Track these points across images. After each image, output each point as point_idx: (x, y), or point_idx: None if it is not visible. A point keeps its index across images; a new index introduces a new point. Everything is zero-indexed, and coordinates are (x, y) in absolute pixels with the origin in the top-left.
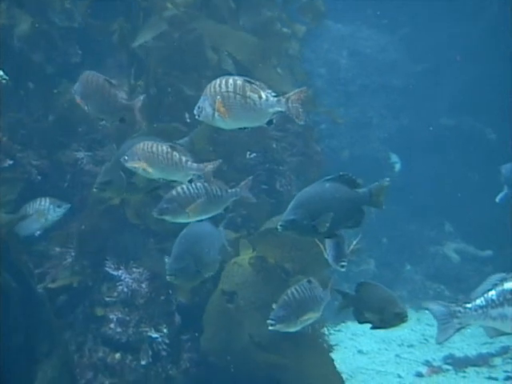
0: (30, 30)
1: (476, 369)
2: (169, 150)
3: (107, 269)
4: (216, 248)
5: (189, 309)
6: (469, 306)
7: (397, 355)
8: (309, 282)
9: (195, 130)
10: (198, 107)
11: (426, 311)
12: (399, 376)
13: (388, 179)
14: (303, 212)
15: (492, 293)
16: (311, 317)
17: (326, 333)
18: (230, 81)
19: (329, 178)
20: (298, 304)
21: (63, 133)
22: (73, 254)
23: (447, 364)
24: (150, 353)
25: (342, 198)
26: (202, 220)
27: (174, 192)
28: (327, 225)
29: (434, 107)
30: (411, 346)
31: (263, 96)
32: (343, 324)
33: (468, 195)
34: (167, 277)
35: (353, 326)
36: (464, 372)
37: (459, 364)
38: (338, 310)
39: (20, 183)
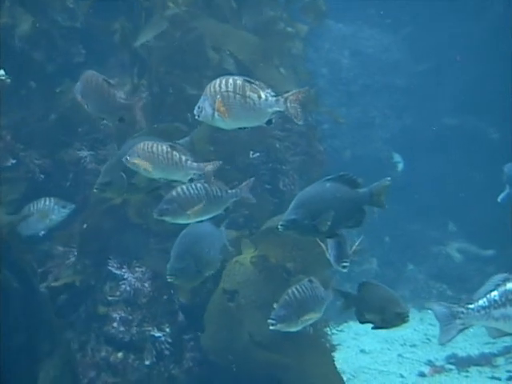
0: (31, 30)
1: (479, 368)
2: (169, 149)
3: (110, 268)
4: (216, 248)
5: (191, 308)
6: (471, 306)
7: (399, 355)
8: (310, 281)
9: (195, 129)
10: (198, 107)
11: (429, 311)
12: (402, 376)
13: (389, 179)
14: (304, 212)
15: (494, 293)
16: (312, 317)
17: (329, 332)
18: (230, 81)
19: (329, 177)
20: (299, 304)
21: (66, 132)
22: (75, 253)
23: (450, 364)
24: (158, 354)
25: (342, 197)
26: (202, 220)
27: (173, 193)
28: (328, 223)
29: (437, 107)
30: (414, 345)
31: (262, 96)
32: (346, 324)
33: (471, 195)
34: (167, 277)
35: (355, 325)
36: (467, 372)
37: (462, 364)
38: (341, 310)
39: (23, 182)
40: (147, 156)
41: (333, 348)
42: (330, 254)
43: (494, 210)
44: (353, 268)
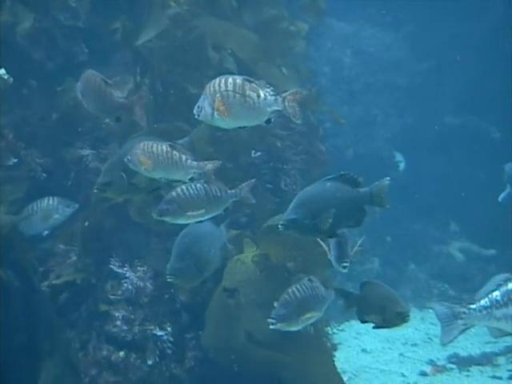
0: (32, 28)
1: (480, 368)
2: (168, 149)
3: (112, 266)
4: (217, 247)
5: (193, 307)
6: (473, 306)
7: (401, 354)
8: (310, 280)
9: (195, 129)
10: (198, 107)
11: (430, 310)
12: (403, 375)
13: (388, 178)
14: (304, 211)
15: (496, 293)
16: (312, 316)
17: (330, 332)
18: (230, 80)
19: (330, 177)
20: (299, 303)
21: (67, 131)
22: (77, 251)
23: (451, 363)
24: (160, 353)
25: (343, 197)
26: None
27: (173, 193)
28: (329, 222)
29: (439, 106)
30: (415, 344)
31: (262, 95)
32: (347, 323)
33: (473, 194)
34: (167, 277)
35: (357, 324)
36: (468, 371)
37: (463, 363)
38: (342, 309)
39: (25, 182)
40: (147, 156)
41: (334, 347)
42: (331, 254)
43: (496, 209)
44: (355, 267)
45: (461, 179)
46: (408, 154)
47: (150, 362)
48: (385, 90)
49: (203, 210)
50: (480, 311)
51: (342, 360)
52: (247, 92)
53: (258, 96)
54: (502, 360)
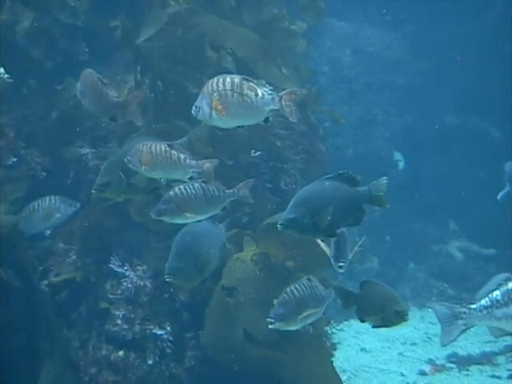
0: (32, 27)
1: (479, 367)
2: (167, 149)
3: (111, 265)
4: (216, 246)
5: (192, 306)
6: (473, 306)
7: (400, 353)
8: (309, 280)
9: (194, 129)
10: (196, 106)
11: (430, 309)
12: (402, 374)
13: (385, 178)
14: (303, 210)
15: (496, 293)
16: (311, 315)
17: (329, 331)
18: (228, 79)
19: (329, 176)
20: (298, 302)
21: (67, 130)
22: (76, 250)
23: (450, 362)
24: (159, 352)
25: (341, 196)
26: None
27: (171, 193)
28: (327, 219)
29: (439, 105)
30: (414, 344)
31: (259, 94)
32: (346, 322)
33: (472, 194)
34: (165, 276)
35: (356, 324)
36: (467, 370)
37: (462, 362)
38: (342, 308)
39: (26, 181)
40: (147, 156)
41: (333, 346)
42: (331, 254)
43: (495, 208)
44: (354, 267)
45: (460, 179)
46: (408, 153)
47: (149, 362)
48: (384, 90)
49: (201, 210)
50: (480, 311)
51: (342, 359)
52: (245, 91)
53: (256, 95)
54: (501, 359)
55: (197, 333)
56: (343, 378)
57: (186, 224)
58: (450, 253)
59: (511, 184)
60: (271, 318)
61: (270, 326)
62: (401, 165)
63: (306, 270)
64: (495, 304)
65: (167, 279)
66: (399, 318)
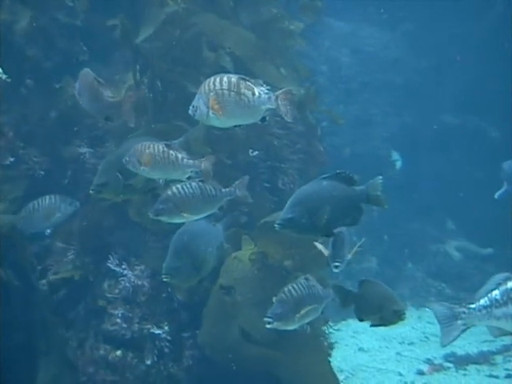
0: (30, 26)
1: (477, 367)
2: (165, 149)
3: (109, 264)
4: (213, 246)
5: (190, 306)
6: (473, 306)
7: (398, 353)
8: (306, 279)
9: (191, 129)
10: (193, 106)
11: (427, 309)
12: (400, 374)
13: (380, 177)
14: (301, 210)
15: (496, 292)
16: (309, 315)
17: (327, 330)
18: (225, 78)
19: (326, 176)
20: (296, 301)
21: (66, 129)
22: (75, 250)
23: (448, 362)
24: (157, 352)
25: (339, 195)
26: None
27: (168, 192)
28: (325, 218)
29: (437, 105)
30: (412, 343)
31: (256, 93)
32: (344, 322)
33: (470, 193)
34: (163, 276)
35: (354, 323)
36: (465, 370)
37: (460, 362)
38: (340, 307)
39: (24, 180)
40: (145, 156)
41: (331, 346)
42: (328, 254)
43: (493, 208)
44: (353, 266)
45: (459, 178)
46: (406, 153)
47: (147, 361)
48: (382, 89)
49: (198, 209)
50: (480, 311)
51: (339, 359)
52: (242, 90)
53: (253, 94)
54: (499, 359)
55: (194, 332)
56: (341, 377)
57: (183, 224)
58: (448, 252)
59: (509, 183)
60: (269, 317)
61: (267, 326)
62: (398, 164)
63: (304, 270)
64: (494, 304)
65: (165, 279)
66: (397, 317)
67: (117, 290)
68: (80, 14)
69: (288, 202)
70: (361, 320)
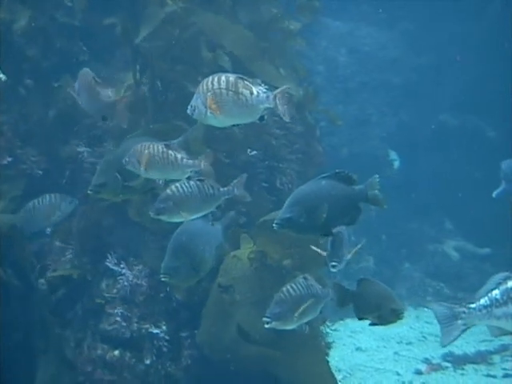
0: (29, 26)
1: (474, 366)
2: (164, 149)
3: (108, 263)
4: (212, 246)
5: (189, 306)
6: (473, 306)
7: (395, 353)
8: (305, 278)
9: (190, 128)
10: (191, 106)
11: (425, 309)
12: (398, 373)
13: (377, 176)
14: (299, 210)
15: (496, 292)
16: (308, 314)
17: (325, 330)
18: (223, 78)
19: (325, 175)
20: (295, 301)
21: (65, 128)
22: (73, 249)
23: (446, 361)
24: (155, 351)
25: (338, 195)
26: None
27: (168, 191)
28: (323, 217)
29: (435, 105)
30: (410, 343)
31: (254, 92)
32: (342, 321)
33: (468, 193)
34: (161, 276)
35: (351, 323)
36: (463, 369)
37: (458, 361)
38: (338, 306)
39: (23, 180)
40: (144, 157)
41: (329, 345)
42: (327, 253)
43: (491, 208)
44: (350, 266)
45: (457, 178)
46: (403, 152)
47: (145, 361)
48: (380, 89)
49: (197, 208)
50: (480, 310)
51: (337, 358)
52: (240, 90)
53: (251, 93)
54: (496, 358)
55: (193, 332)
56: (339, 377)
57: (181, 223)
58: (446, 252)
59: (507, 182)
60: (267, 317)
61: (266, 326)
62: (396, 164)
63: (303, 269)
64: (495, 303)
65: (163, 279)
66: (395, 316)
67: (115, 290)
68: (78, 14)
69: (286, 202)
70: (360, 319)
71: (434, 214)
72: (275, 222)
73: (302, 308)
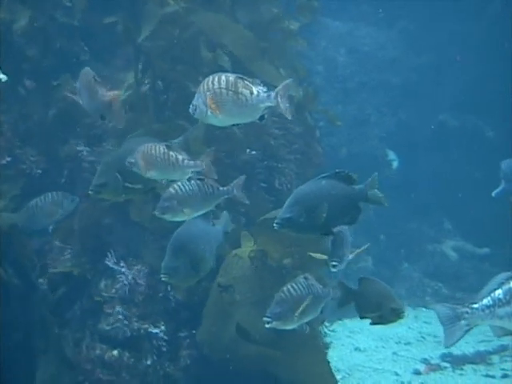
0: (29, 26)
1: (473, 366)
2: (165, 150)
3: (107, 262)
4: (213, 246)
5: (188, 305)
6: (475, 306)
7: (394, 353)
8: (305, 278)
9: (190, 128)
10: (193, 105)
11: (424, 309)
12: (396, 374)
13: (376, 174)
14: (299, 209)
15: (499, 292)
16: (308, 314)
17: (323, 330)
18: (223, 77)
19: (325, 175)
20: (295, 301)
21: (65, 127)
22: (72, 248)
23: (445, 362)
24: (154, 351)
25: (338, 194)
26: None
27: (171, 190)
28: (323, 216)
29: (434, 105)
30: (408, 343)
31: (254, 92)
32: (340, 321)
33: (467, 193)
34: (161, 276)
35: (350, 323)
36: (461, 369)
37: (457, 362)
38: (339, 305)
39: (22, 179)
40: (147, 158)
41: (327, 346)
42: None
43: (490, 208)
44: (349, 266)
45: (456, 178)
46: (403, 152)
47: (144, 361)
48: (379, 89)
49: (198, 207)
50: (483, 310)
51: (336, 359)
52: (240, 89)
53: (251, 93)
54: (495, 359)
55: (192, 332)
56: (337, 377)
57: (182, 223)
58: (445, 252)
59: (507, 181)
60: (268, 317)
61: (266, 326)
62: (395, 164)
63: (304, 268)
64: (497, 303)
65: (163, 278)
66: (396, 315)
67: (113, 290)
68: (78, 14)
69: (287, 201)
70: (361, 318)
71: (434, 214)
72: (275, 221)
73: (302, 307)
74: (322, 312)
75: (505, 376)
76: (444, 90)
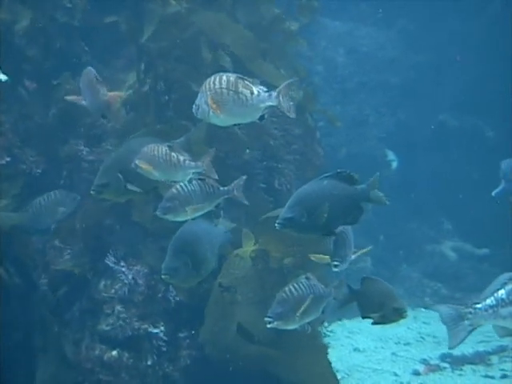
0: (30, 26)
1: (473, 367)
2: (167, 151)
3: (107, 262)
4: (214, 246)
5: (188, 306)
6: (479, 306)
7: (393, 353)
8: (307, 278)
9: (192, 129)
10: (195, 105)
11: (423, 309)
12: (396, 374)
13: (378, 174)
14: (301, 209)
15: (502, 292)
16: (310, 314)
17: (323, 330)
18: (224, 78)
19: (327, 175)
20: (297, 301)
21: (65, 127)
22: (72, 248)
23: (444, 362)
24: (153, 351)
25: (340, 194)
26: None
27: (174, 190)
28: (325, 216)
29: (433, 105)
30: (408, 344)
31: (255, 92)
32: (339, 322)
33: (466, 193)
34: (162, 276)
35: (349, 323)
36: (461, 370)
37: (456, 362)
38: (340, 304)
39: (21, 179)
40: (150, 159)
41: (326, 346)
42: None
43: (490, 208)
44: (349, 266)
45: (456, 178)
46: (402, 152)
47: (143, 361)
48: (378, 90)
49: (200, 207)
50: (486, 310)
51: (335, 359)
52: (240, 89)
53: (252, 93)
54: (494, 359)
55: (191, 332)
56: None
57: (183, 223)
58: (444, 253)
59: (506, 181)
60: (269, 316)
61: (268, 326)
62: (394, 164)
63: (305, 268)
64: (500, 303)
65: (164, 279)
66: (398, 315)
67: (113, 290)
68: (78, 14)
69: (288, 202)
70: (364, 317)
71: (433, 215)
72: (277, 222)
73: (303, 307)
74: (323, 312)
75: (504, 376)
76: (444, 89)
